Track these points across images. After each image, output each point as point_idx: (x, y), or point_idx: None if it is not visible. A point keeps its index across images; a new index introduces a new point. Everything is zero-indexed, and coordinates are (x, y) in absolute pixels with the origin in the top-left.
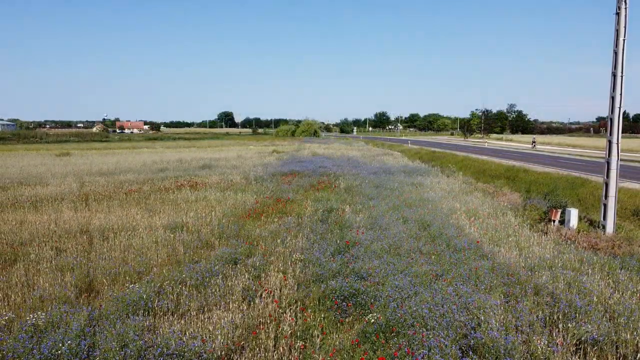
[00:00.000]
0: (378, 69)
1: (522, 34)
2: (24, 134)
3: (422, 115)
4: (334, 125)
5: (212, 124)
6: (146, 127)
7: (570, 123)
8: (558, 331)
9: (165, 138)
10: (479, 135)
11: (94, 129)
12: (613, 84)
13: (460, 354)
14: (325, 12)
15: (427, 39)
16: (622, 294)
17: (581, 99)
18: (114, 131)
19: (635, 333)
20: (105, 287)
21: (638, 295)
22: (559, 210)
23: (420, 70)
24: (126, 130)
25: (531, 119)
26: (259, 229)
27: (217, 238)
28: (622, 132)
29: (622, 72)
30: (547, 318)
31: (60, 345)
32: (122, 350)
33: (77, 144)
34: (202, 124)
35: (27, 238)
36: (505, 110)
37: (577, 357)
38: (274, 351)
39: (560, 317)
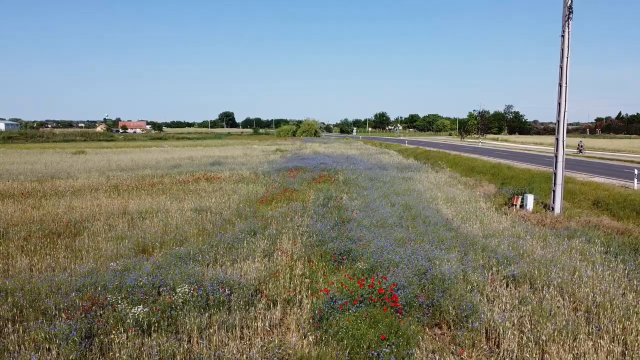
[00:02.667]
0: (378, 70)
1: (522, 35)
2: (30, 133)
3: (421, 116)
4: (334, 125)
5: (213, 124)
6: (148, 127)
7: (570, 124)
8: (492, 272)
9: (169, 137)
10: (476, 136)
11: (98, 129)
12: (559, 93)
13: (418, 280)
14: (326, 13)
15: (427, 40)
16: (546, 250)
17: (581, 100)
18: (117, 131)
19: (542, 271)
20: (157, 250)
21: (557, 251)
22: (520, 197)
23: (420, 72)
24: (129, 130)
25: (529, 120)
26: (271, 211)
27: (237, 217)
28: (617, 133)
29: (566, 83)
30: (486, 264)
31: (140, 279)
32: (186, 280)
33: (86, 142)
34: (203, 124)
35: (79, 218)
36: (502, 111)
37: (500, 284)
38: (290, 283)
39: (494, 263)
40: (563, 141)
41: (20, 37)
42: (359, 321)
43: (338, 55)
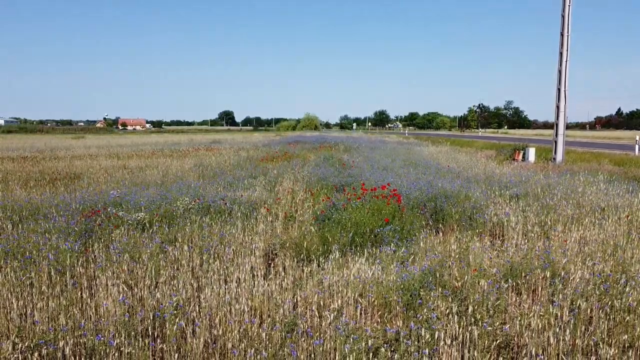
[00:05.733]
0: (379, 70)
1: (523, 34)
2: (30, 127)
3: (421, 114)
4: (333, 125)
5: (213, 123)
6: (148, 125)
7: (569, 124)
8: (495, 194)
9: (170, 132)
10: (475, 130)
11: (98, 125)
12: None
13: (420, 195)
14: (325, 14)
15: (427, 39)
16: (549, 180)
17: (580, 101)
18: (117, 127)
19: (539, 191)
20: (157, 186)
21: (560, 180)
22: (521, 151)
23: (420, 71)
24: (129, 127)
25: (530, 118)
26: (272, 166)
27: (237, 169)
28: (618, 128)
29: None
30: (488, 188)
31: (140, 199)
32: (187, 195)
33: (87, 133)
34: (202, 123)
35: (78, 172)
36: (502, 107)
37: (502, 199)
38: (292, 202)
39: (496, 187)
40: (565, 90)
41: (19, 37)
42: (361, 211)
43: (338, 56)
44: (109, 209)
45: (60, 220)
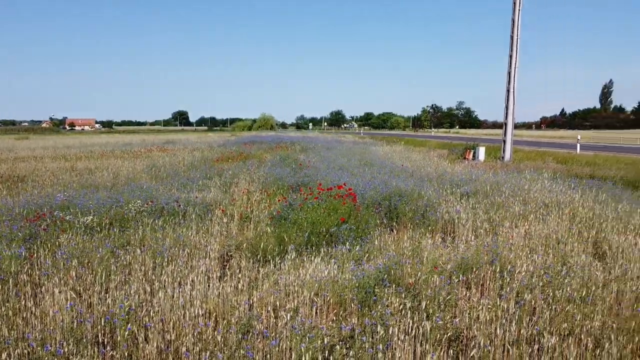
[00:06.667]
0: (335, 70)
1: (473, 33)
2: None
3: (376, 114)
4: (290, 125)
5: (166, 124)
6: (98, 125)
7: (517, 124)
8: (446, 192)
9: (121, 132)
10: (428, 130)
11: (44, 125)
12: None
13: (375, 194)
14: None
15: (382, 41)
16: (498, 177)
17: (527, 105)
18: (64, 128)
19: (494, 188)
20: (108, 189)
21: (508, 177)
22: (472, 150)
23: (375, 72)
24: (77, 128)
25: (480, 118)
26: (227, 166)
27: (192, 169)
28: (561, 128)
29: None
30: (440, 187)
31: (89, 202)
32: (139, 197)
33: (31, 134)
34: (155, 124)
35: (22, 174)
36: (454, 107)
37: (453, 197)
38: (247, 203)
39: (448, 186)
40: (514, 92)
41: None
42: (317, 211)
43: (295, 56)
44: (55, 213)
45: (2, 225)
